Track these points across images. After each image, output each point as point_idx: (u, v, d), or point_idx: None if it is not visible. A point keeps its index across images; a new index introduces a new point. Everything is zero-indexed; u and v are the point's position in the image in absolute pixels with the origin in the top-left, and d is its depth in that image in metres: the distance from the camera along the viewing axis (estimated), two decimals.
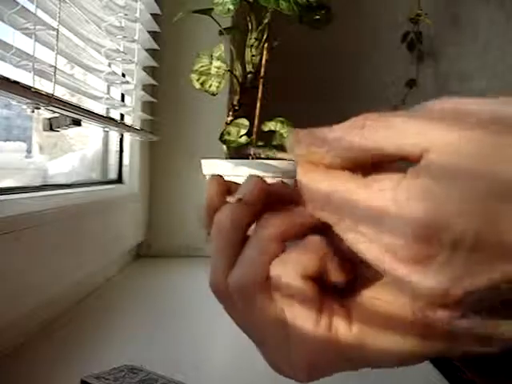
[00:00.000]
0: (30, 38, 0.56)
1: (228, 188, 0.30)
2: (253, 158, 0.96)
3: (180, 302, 0.81)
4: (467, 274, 0.20)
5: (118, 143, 1.07)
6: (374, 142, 0.22)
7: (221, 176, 0.31)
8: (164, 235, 1.18)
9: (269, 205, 0.28)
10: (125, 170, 1.08)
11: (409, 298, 0.22)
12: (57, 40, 0.61)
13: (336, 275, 0.25)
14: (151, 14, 1.02)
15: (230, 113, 0.98)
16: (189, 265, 1.10)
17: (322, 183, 0.23)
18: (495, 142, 0.20)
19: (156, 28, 1.06)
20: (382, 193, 0.21)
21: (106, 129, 0.92)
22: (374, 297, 0.26)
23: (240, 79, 0.96)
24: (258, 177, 0.29)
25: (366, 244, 0.22)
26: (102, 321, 0.70)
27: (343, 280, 0.26)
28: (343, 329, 0.25)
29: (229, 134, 0.94)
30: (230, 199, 0.28)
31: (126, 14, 0.91)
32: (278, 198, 0.28)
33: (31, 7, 0.56)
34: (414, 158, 0.21)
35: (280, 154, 0.27)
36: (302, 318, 0.25)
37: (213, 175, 0.30)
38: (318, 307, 0.25)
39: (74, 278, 0.72)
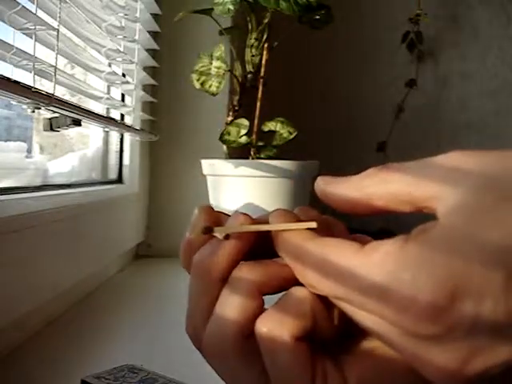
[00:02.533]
0: (31, 37, 0.56)
1: (216, 220, 0.28)
2: (253, 158, 0.96)
3: (180, 302, 0.81)
4: (480, 351, 0.19)
5: (118, 143, 1.07)
6: (396, 193, 0.22)
7: (210, 206, 0.29)
8: (164, 235, 1.17)
9: (254, 246, 0.26)
10: (125, 170, 1.08)
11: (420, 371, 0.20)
12: (57, 40, 0.61)
13: (330, 331, 0.24)
14: (151, 14, 1.02)
15: (230, 113, 0.98)
16: None
17: (316, 248, 0.22)
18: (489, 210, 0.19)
19: (156, 28, 1.06)
20: (382, 265, 0.20)
21: (106, 129, 0.92)
22: (374, 348, 0.23)
23: (240, 79, 0.96)
24: (245, 214, 0.26)
25: (369, 317, 0.20)
26: (102, 321, 0.70)
27: (337, 333, 0.24)
28: None
29: (229, 133, 0.94)
30: (217, 234, 0.26)
31: (126, 14, 0.91)
32: (261, 241, 0.26)
33: (31, 7, 0.56)
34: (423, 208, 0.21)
35: (267, 226, 0.25)
36: None
37: (202, 206, 0.28)
38: (311, 374, 0.23)
39: (74, 278, 0.72)
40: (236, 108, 0.97)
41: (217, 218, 0.28)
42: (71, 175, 0.94)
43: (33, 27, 0.56)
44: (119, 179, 1.08)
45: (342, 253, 0.21)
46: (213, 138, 0.98)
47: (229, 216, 0.27)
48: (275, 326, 0.23)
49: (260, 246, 0.26)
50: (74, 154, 0.99)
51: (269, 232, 0.25)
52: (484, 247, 0.18)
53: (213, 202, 0.97)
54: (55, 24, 0.61)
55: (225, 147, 0.97)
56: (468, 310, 0.18)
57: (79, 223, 0.74)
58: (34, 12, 0.56)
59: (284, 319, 0.23)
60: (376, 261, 0.20)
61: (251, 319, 0.24)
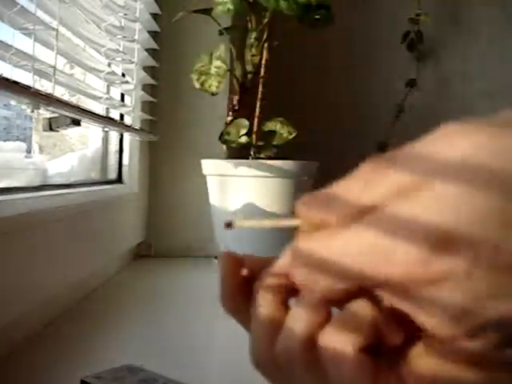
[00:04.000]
0: (30, 38, 0.56)
1: (241, 263, 0.29)
2: (253, 158, 0.96)
3: (180, 302, 0.81)
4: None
5: (118, 143, 1.07)
6: (386, 191, 0.21)
7: (232, 253, 0.29)
8: (164, 235, 1.17)
9: None
10: (125, 170, 1.08)
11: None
12: (56, 40, 0.61)
13: (392, 338, 0.23)
14: (151, 14, 1.02)
15: (230, 113, 0.98)
16: (189, 265, 1.10)
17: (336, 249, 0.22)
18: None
19: (156, 28, 1.06)
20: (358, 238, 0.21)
21: (106, 129, 0.92)
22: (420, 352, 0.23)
23: (240, 79, 0.96)
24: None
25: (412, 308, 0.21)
26: (102, 321, 0.70)
27: (400, 341, 0.24)
28: None
29: (229, 134, 0.94)
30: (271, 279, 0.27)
31: (125, 14, 0.91)
32: None
33: (31, 7, 0.56)
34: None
35: (284, 221, 0.26)
36: None
37: (225, 253, 0.29)
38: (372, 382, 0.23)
39: (74, 278, 0.72)
40: (236, 108, 0.97)
41: (241, 261, 0.29)
42: (71, 175, 0.93)
43: (32, 27, 0.56)
44: (119, 179, 1.08)
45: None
46: (213, 138, 0.98)
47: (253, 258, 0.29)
48: (338, 339, 0.23)
49: None
50: (74, 154, 0.99)
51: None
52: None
53: (213, 202, 0.97)
54: (54, 24, 0.61)
55: (225, 147, 0.97)
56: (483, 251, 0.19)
57: (79, 223, 0.74)
58: (34, 12, 0.56)
59: (347, 332, 0.23)
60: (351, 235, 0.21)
61: (317, 331, 0.24)
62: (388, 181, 0.21)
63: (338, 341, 0.23)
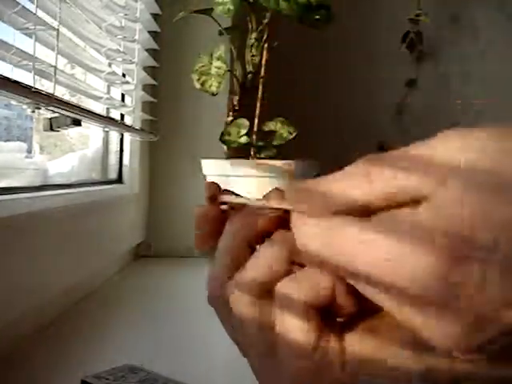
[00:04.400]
0: (31, 37, 0.56)
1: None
2: (253, 158, 0.96)
3: (180, 302, 0.81)
4: (485, 318, 0.19)
5: (118, 143, 1.07)
6: (382, 191, 0.21)
7: (214, 183, 0.30)
8: (164, 235, 1.17)
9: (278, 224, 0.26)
10: (125, 170, 1.08)
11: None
12: (57, 40, 0.61)
13: (346, 310, 0.24)
14: (151, 14, 1.02)
15: (230, 113, 0.98)
16: (189, 265, 1.10)
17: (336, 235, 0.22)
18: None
19: (156, 28, 1.06)
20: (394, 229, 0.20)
21: (106, 129, 0.92)
22: (376, 326, 0.24)
23: (240, 79, 0.96)
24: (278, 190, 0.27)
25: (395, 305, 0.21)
26: (102, 321, 0.70)
27: (353, 311, 0.24)
28: (338, 365, 0.23)
29: (229, 134, 0.94)
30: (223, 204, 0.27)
31: (126, 14, 0.91)
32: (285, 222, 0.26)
33: (31, 7, 0.56)
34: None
35: (273, 202, 0.26)
36: (296, 340, 0.23)
37: (207, 182, 0.29)
38: (314, 342, 0.23)
39: (73, 278, 0.72)
40: (236, 108, 0.97)
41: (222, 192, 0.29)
42: (71, 175, 0.93)
43: (33, 27, 0.56)
44: (119, 179, 1.08)
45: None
46: (213, 138, 0.98)
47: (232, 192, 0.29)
48: (293, 287, 0.23)
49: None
50: (74, 154, 0.99)
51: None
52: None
53: None
54: (55, 24, 0.61)
55: (225, 147, 0.97)
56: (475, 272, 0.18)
57: (79, 223, 0.74)
58: (34, 12, 0.56)
59: (304, 285, 0.23)
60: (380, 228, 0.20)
61: (275, 280, 0.24)
62: (385, 180, 0.21)
63: (292, 288, 0.23)
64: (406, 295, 0.20)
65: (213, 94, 0.95)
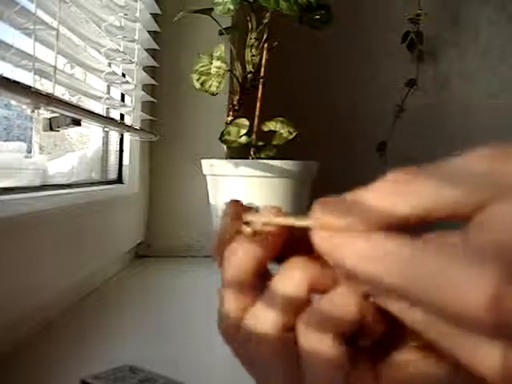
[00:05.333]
0: (30, 37, 0.56)
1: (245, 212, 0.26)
2: (253, 158, 0.96)
3: (180, 302, 0.81)
4: None
5: (118, 143, 1.07)
6: (419, 204, 0.19)
7: (238, 201, 0.27)
8: (164, 235, 1.17)
9: (289, 241, 0.25)
10: (125, 170, 1.08)
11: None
12: (57, 40, 0.61)
13: (375, 333, 0.22)
14: (151, 14, 1.02)
15: (230, 113, 0.98)
16: (189, 265, 1.10)
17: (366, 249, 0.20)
18: None
19: (156, 28, 1.06)
20: (445, 254, 0.18)
21: (106, 129, 0.92)
22: (410, 360, 0.22)
23: (240, 79, 0.96)
24: (278, 209, 0.25)
25: (417, 312, 0.19)
26: (101, 321, 0.70)
27: (381, 333, 0.22)
28: None
29: (229, 134, 0.94)
30: (244, 229, 0.25)
31: (125, 14, 0.91)
32: (299, 237, 0.24)
33: (31, 7, 0.56)
34: (466, 213, 0.19)
35: (299, 221, 0.23)
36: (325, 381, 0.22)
37: (231, 199, 0.27)
38: (345, 380, 0.22)
39: (73, 278, 0.72)
40: (236, 108, 0.97)
41: (246, 210, 0.26)
42: (71, 175, 0.93)
43: (32, 27, 0.56)
44: (119, 179, 1.08)
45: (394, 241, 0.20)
46: (213, 137, 0.98)
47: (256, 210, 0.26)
48: (317, 325, 0.22)
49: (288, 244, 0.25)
50: (74, 154, 0.99)
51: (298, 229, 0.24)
52: None
53: (213, 202, 0.97)
54: (55, 24, 0.61)
55: (225, 147, 0.97)
56: None
57: (79, 223, 0.74)
58: (34, 12, 0.56)
59: (327, 318, 0.22)
60: (431, 249, 0.19)
61: (295, 314, 0.23)
62: (426, 193, 0.20)
63: (316, 325, 0.22)
64: (456, 321, 0.18)
65: (213, 94, 0.95)
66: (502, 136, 1.41)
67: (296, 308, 0.23)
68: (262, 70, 0.96)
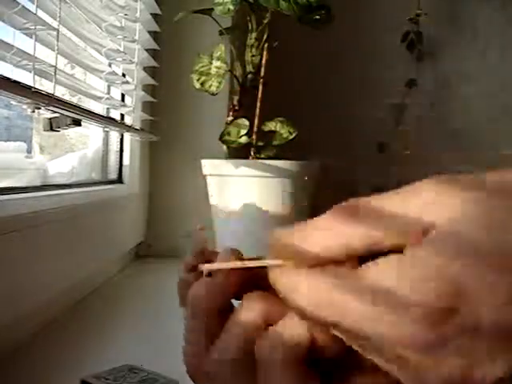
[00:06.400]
0: (31, 37, 0.56)
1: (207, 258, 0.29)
2: (253, 158, 0.96)
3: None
4: (487, 358, 0.18)
5: (118, 143, 1.07)
6: (372, 232, 0.21)
7: (204, 246, 0.30)
8: (164, 235, 1.17)
9: (245, 282, 0.26)
10: (125, 169, 1.08)
11: None
12: (57, 40, 0.61)
13: (331, 351, 0.23)
14: (151, 14, 1.02)
15: (230, 113, 0.98)
16: None
17: (317, 284, 0.22)
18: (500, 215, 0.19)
19: (156, 28, 1.06)
20: (385, 274, 0.20)
21: (106, 129, 0.92)
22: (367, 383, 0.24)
23: (240, 79, 0.96)
24: (235, 251, 0.27)
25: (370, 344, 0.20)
26: (102, 321, 0.70)
27: (336, 354, 0.24)
28: None
29: (229, 134, 0.94)
30: (202, 268, 0.27)
31: (126, 14, 0.91)
32: (253, 276, 0.26)
33: (31, 7, 0.56)
34: (414, 238, 0.20)
35: (256, 262, 0.25)
36: None
37: (195, 251, 0.29)
38: None
39: (73, 278, 0.72)
40: (236, 108, 0.97)
41: (209, 256, 0.29)
42: (71, 175, 0.94)
43: (33, 27, 0.56)
44: (119, 179, 1.08)
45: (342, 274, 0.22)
46: (213, 137, 0.98)
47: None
48: (273, 348, 0.23)
49: (248, 281, 0.27)
50: (74, 154, 0.99)
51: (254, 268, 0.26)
52: (489, 252, 0.18)
53: (213, 201, 0.97)
54: (55, 24, 0.61)
55: (225, 147, 0.97)
56: (468, 318, 0.18)
57: (79, 223, 0.74)
58: (34, 12, 0.56)
59: (281, 341, 0.23)
60: (375, 273, 0.20)
61: (253, 340, 0.24)
62: (355, 235, 0.21)
63: (272, 349, 0.23)
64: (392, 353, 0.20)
65: (213, 94, 0.95)
66: (502, 136, 1.41)
67: (254, 334, 0.24)
68: (262, 70, 0.96)
